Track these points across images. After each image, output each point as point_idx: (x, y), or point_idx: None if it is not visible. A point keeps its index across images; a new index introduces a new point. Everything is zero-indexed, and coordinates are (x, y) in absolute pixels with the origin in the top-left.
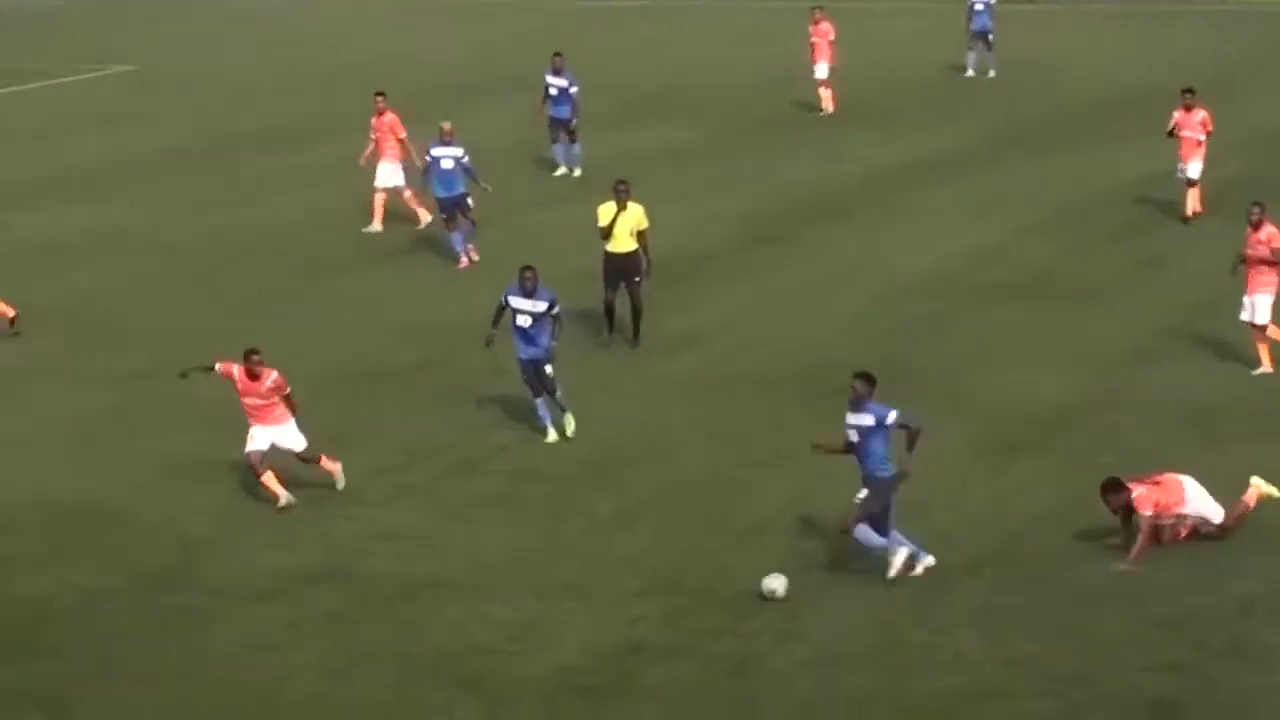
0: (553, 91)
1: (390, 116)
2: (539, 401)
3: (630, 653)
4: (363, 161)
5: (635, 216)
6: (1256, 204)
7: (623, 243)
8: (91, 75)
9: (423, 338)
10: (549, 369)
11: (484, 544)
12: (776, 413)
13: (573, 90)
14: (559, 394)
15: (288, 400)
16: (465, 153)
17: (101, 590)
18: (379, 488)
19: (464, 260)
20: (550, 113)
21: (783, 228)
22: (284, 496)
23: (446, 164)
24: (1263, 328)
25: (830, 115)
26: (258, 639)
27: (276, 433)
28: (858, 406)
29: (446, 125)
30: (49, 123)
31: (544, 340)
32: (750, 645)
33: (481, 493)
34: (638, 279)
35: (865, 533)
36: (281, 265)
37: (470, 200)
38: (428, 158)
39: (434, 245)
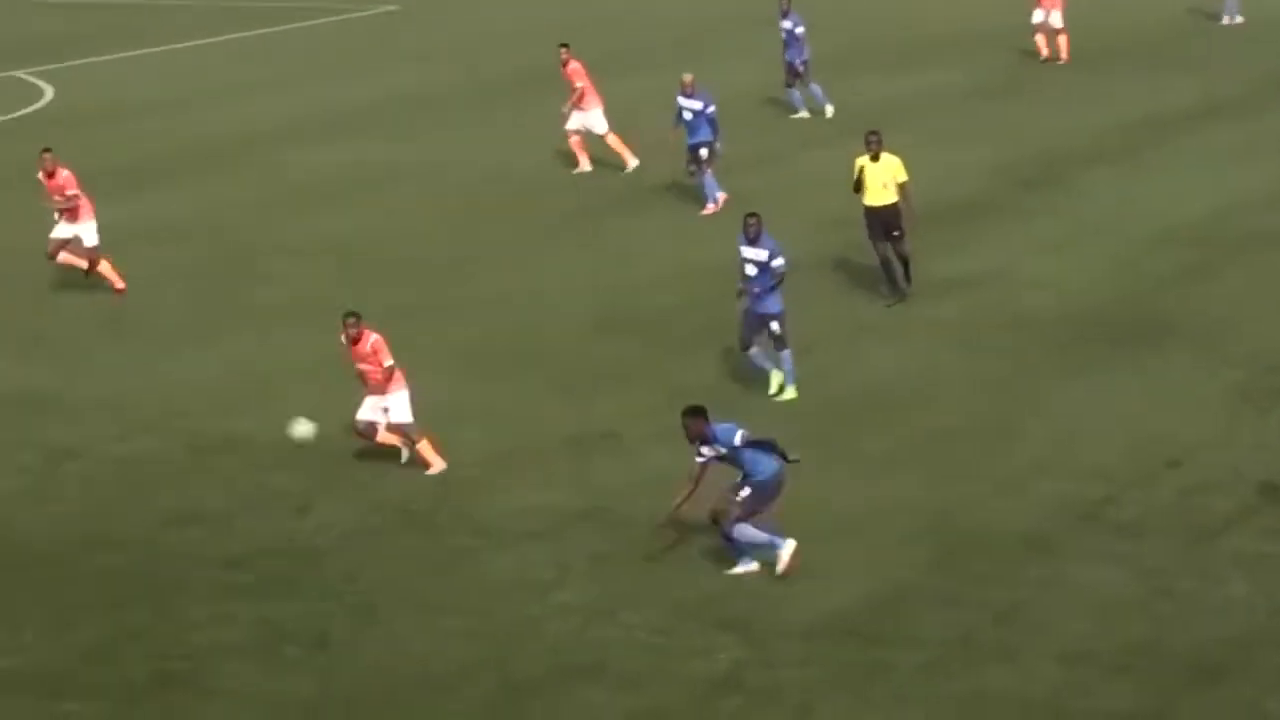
0: (783, 35)
1: (574, 65)
2: (752, 354)
3: (897, 598)
4: (566, 109)
5: (890, 168)
6: None
7: (879, 195)
8: (358, 15)
9: (683, 280)
10: (775, 326)
11: None
12: (1044, 359)
13: (798, 31)
14: (785, 356)
15: (388, 370)
16: (707, 104)
17: (365, 529)
18: (641, 429)
19: (710, 205)
20: (785, 57)
21: (1045, 173)
22: (405, 453)
23: (687, 115)
24: None
25: (1065, 64)
26: (522, 577)
27: (385, 401)
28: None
29: (687, 77)
30: (317, 61)
31: (769, 292)
32: (1016, 593)
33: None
34: (897, 232)
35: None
36: (541, 208)
37: (710, 149)
38: (677, 105)
39: (694, 190)
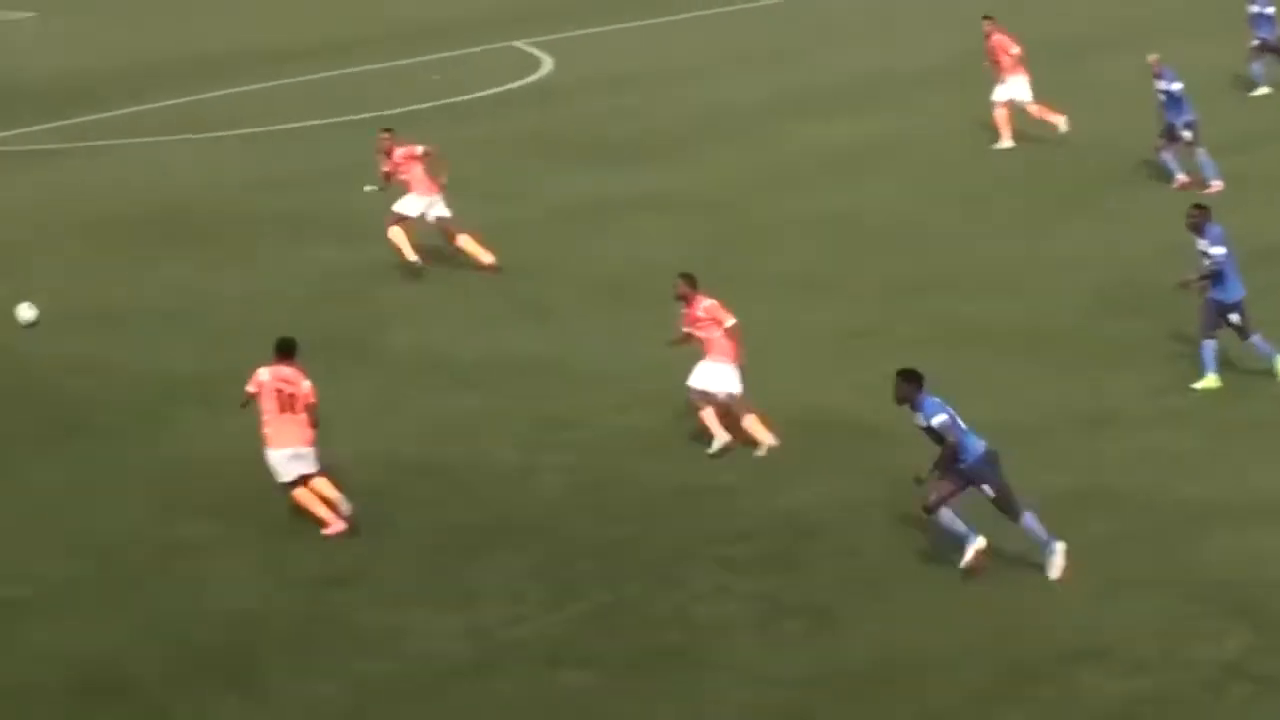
0: (1252, 10)
1: (997, 38)
2: (1208, 344)
3: None
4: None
5: None
6: None
7: None
8: None
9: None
10: (1234, 317)
11: (1256, 470)
12: None
13: (1269, 10)
14: (1256, 339)
15: (730, 329)
16: (1171, 83)
17: (865, 502)
18: (1148, 408)
19: (1178, 180)
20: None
21: None
22: (719, 439)
23: (1160, 96)
24: None
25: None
26: (1025, 558)
27: (719, 369)
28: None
29: (1152, 58)
30: (818, 35)
31: (1228, 283)
32: None
33: (1253, 417)
34: None
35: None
36: (1040, 185)
37: (1182, 128)
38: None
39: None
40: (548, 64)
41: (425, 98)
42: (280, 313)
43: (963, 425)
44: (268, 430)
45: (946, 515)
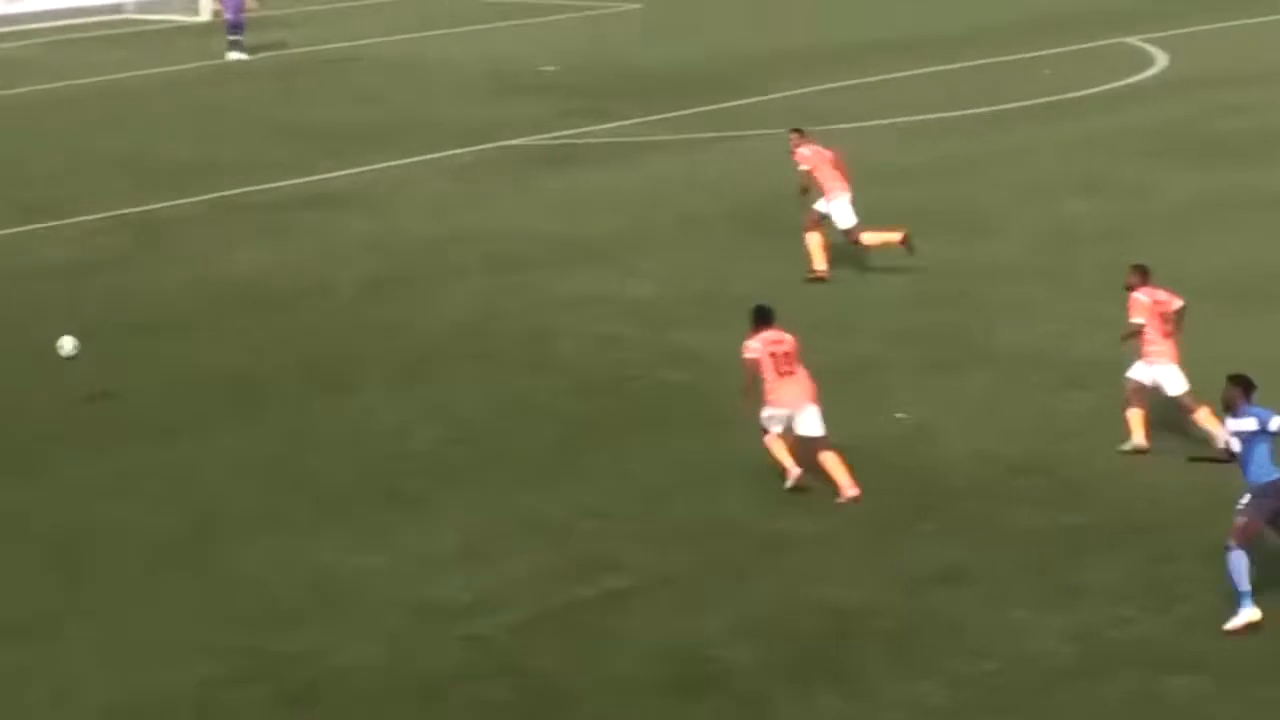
0: None
1: None
2: None
3: None
4: None
5: None
6: None
7: None
8: None
9: None
10: None
11: None
12: None
13: None
14: None
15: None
16: None
17: None
18: None
19: None
20: None
21: None
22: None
23: None
24: None
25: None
26: None
27: (1168, 370)
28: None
29: None
30: None
31: None
32: None
33: None
34: None
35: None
36: None
37: None
38: None
39: None
40: (1161, 60)
41: (1037, 94)
42: (882, 308)
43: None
44: (771, 395)
45: (1236, 562)
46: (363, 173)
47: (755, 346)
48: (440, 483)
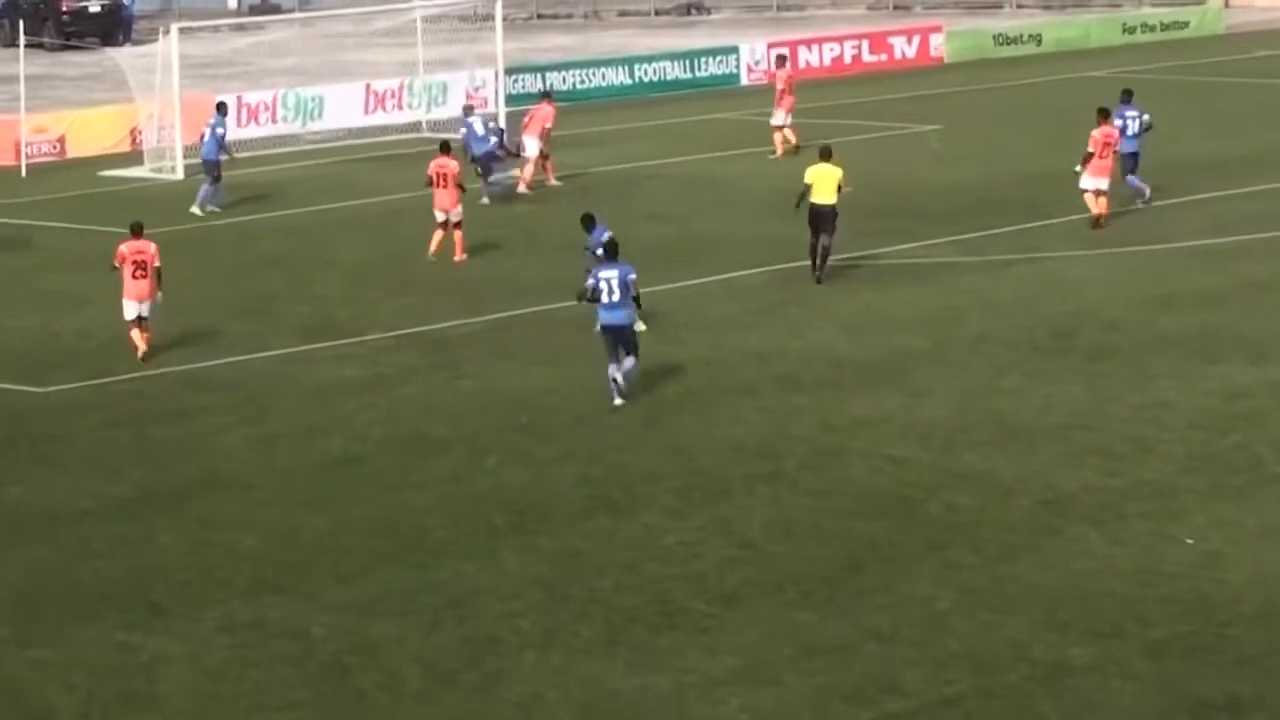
0: None
1: None
2: None
3: None
4: None
5: None
6: None
7: None
8: None
9: None
10: None
11: None
12: None
13: None
14: None
15: None
16: None
17: None
18: None
19: None
20: None
21: None
22: None
23: None
24: None
25: None
26: None
27: None
28: None
29: None
30: None
31: None
32: None
33: None
34: None
35: None
36: None
37: None
38: None
39: None
40: None
41: None
42: (1175, 430)
43: None
44: None
45: None
46: (651, 292)
47: None
48: (722, 603)
